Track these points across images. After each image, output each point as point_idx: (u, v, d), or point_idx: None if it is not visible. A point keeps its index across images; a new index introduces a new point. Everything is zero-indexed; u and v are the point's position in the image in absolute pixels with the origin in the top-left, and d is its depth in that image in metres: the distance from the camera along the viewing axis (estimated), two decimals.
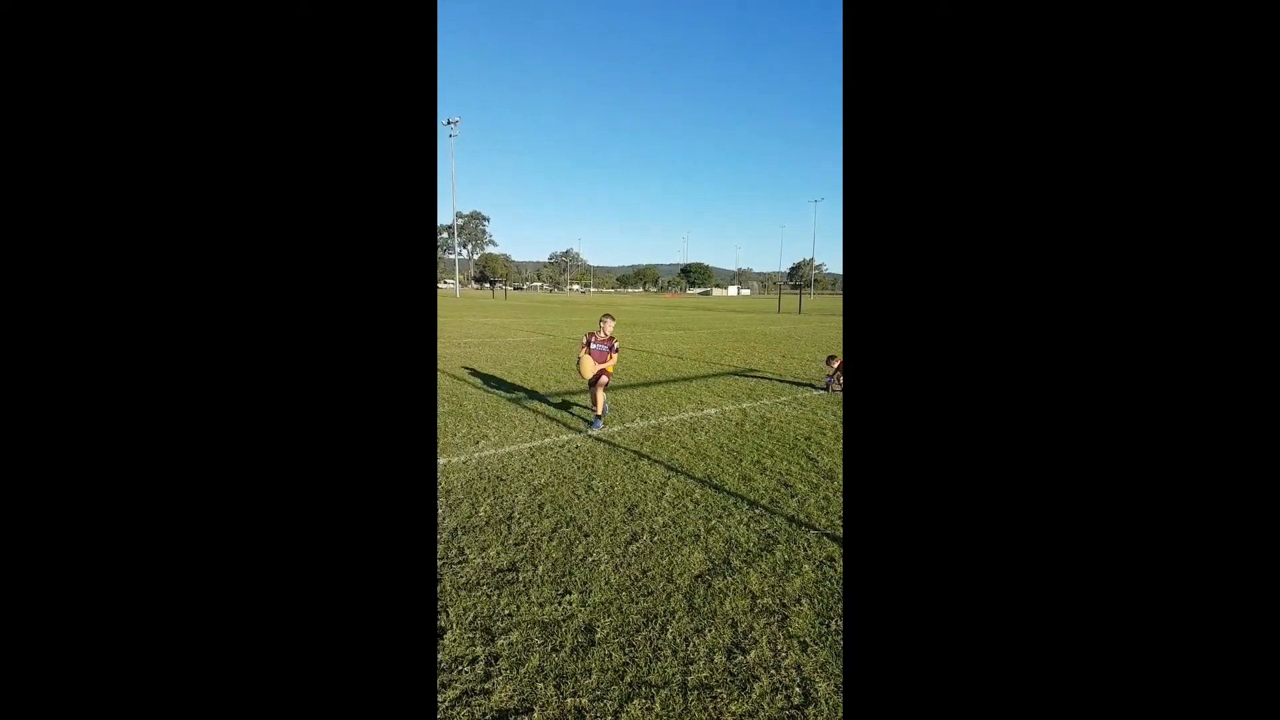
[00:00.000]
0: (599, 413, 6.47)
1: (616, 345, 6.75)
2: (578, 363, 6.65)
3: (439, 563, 3.23)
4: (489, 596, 2.90)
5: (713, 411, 7.30)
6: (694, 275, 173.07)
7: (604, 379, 6.56)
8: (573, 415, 6.92)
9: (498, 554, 3.34)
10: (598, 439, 5.87)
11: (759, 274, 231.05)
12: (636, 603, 2.87)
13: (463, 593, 2.94)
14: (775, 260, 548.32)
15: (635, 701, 2.21)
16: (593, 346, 6.63)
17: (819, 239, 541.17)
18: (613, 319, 6.85)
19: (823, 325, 25.41)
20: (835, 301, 72.43)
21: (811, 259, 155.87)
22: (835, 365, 9.02)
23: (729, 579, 3.10)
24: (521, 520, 3.81)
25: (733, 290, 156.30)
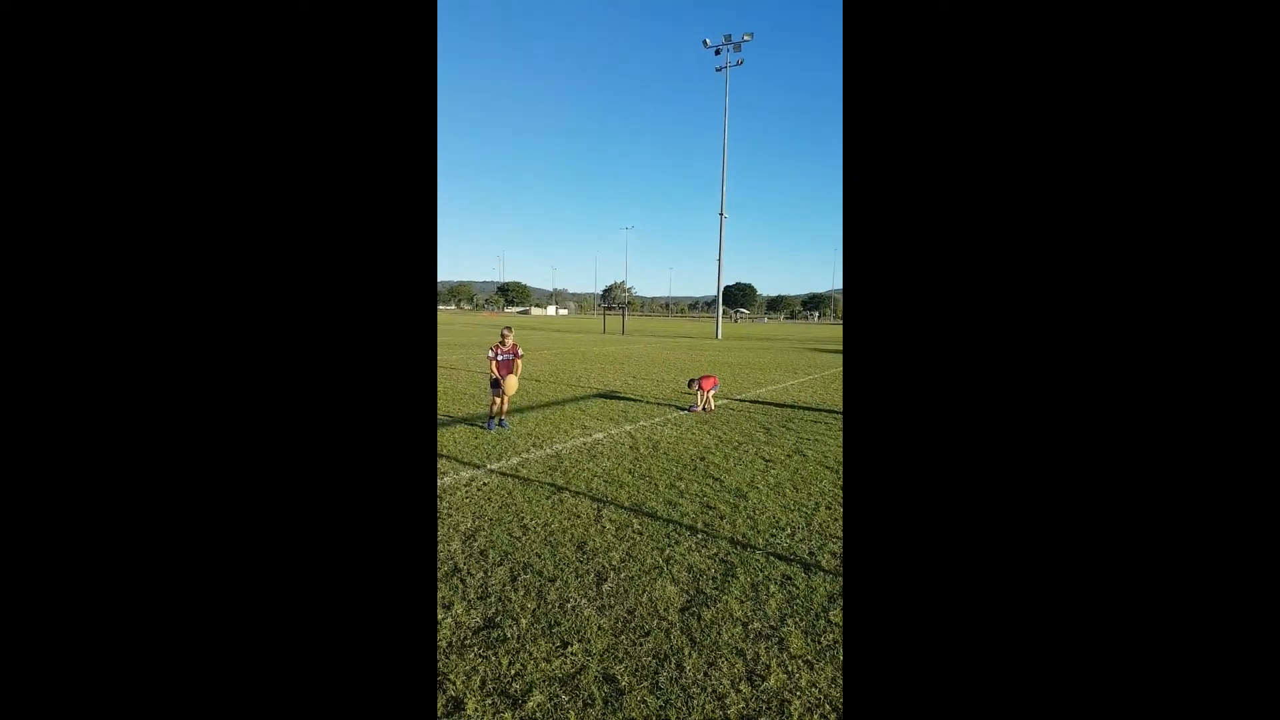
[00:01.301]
0: (502, 414, 7.53)
1: (520, 352, 7.87)
2: (494, 378, 7.57)
3: None
4: (487, 658, 2.70)
5: (600, 436, 7.34)
6: (512, 294, 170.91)
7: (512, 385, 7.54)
8: (459, 446, 6.56)
9: (467, 610, 3.11)
10: (503, 474, 5.64)
11: (574, 294, 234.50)
12: (640, 644, 2.85)
13: (454, 656, 2.70)
14: (590, 282, 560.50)
15: None
16: (500, 358, 7.59)
17: (631, 262, 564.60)
18: (511, 330, 7.92)
19: (653, 346, 26.51)
20: (654, 323, 75.65)
21: (623, 281, 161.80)
22: (699, 388, 9.50)
23: (713, 609, 3.19)
24: (473, 571, 3.57)
25: (551, 310, 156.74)
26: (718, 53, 39.61)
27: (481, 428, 7.51)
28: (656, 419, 8.58)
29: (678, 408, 9.61)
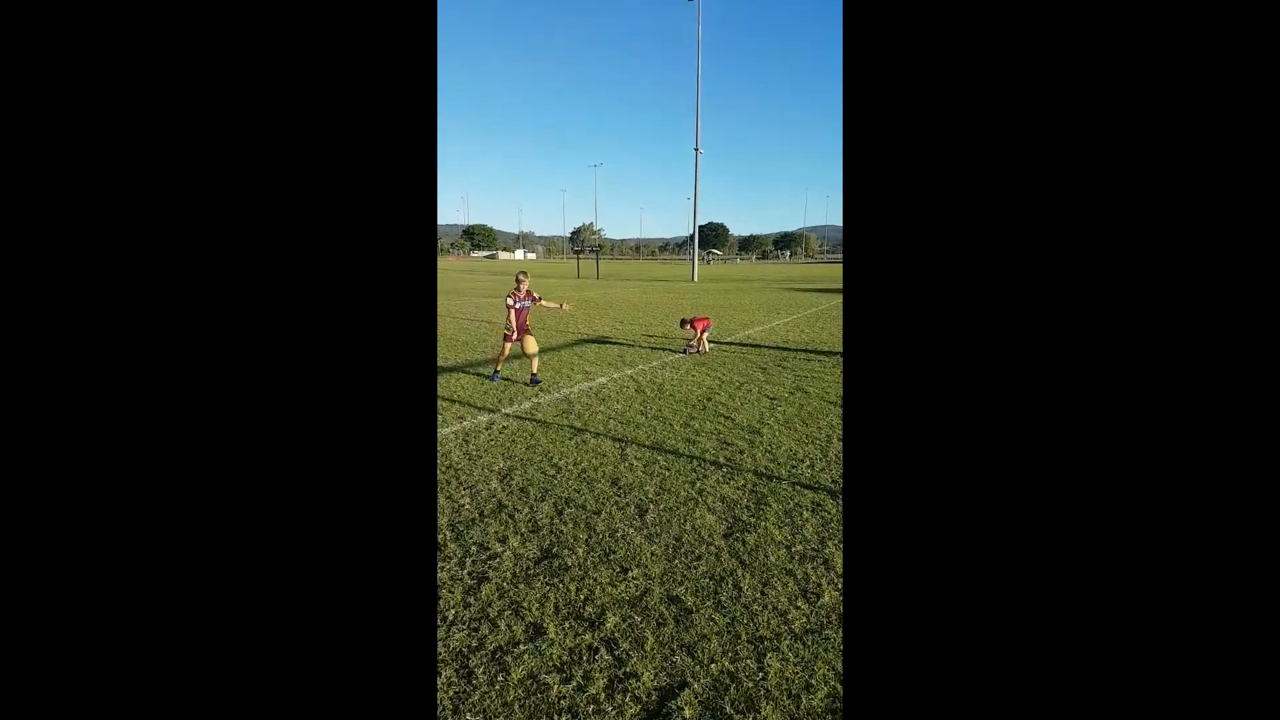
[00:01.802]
0: (535, 371, 7.37)
1: (537, 296, 7.64)
2: (513, 327, 7.39)
3: (464, 558, 3.04)
4: (554, 585, 2.84)
5: (604, 380, 7.44)
6: (478, 237, 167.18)
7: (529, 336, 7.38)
8: (469, 391, 6.61)
9: (523, 543, 3.24)
10: (519, 418, 5.73)
11: (541, 237, 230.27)
12: (695, 568, 3.01)
13: (523, 586, 2.83)
14: (558, 224, 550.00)
15: (770, 656, 2.40)
16: (518, 305, 7.36)
17: (600, 203, 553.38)
18: (526, 275, 7.65)
19: (630, 290, 26.47)
20: (626, 266, 75.00)
21: (592, 223, 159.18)
22: (692, 328, 9.60)
23: (755, 534, 3.37)
24: (519, 507, 3.69)
25: (519, 254, 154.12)
26: None
27: (486, 378, 7.47)
28: (654, 363, 8.70)
29: (671, 351, 9.73)
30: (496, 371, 7.47)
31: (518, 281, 7.47)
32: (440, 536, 3.31)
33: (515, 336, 7.35)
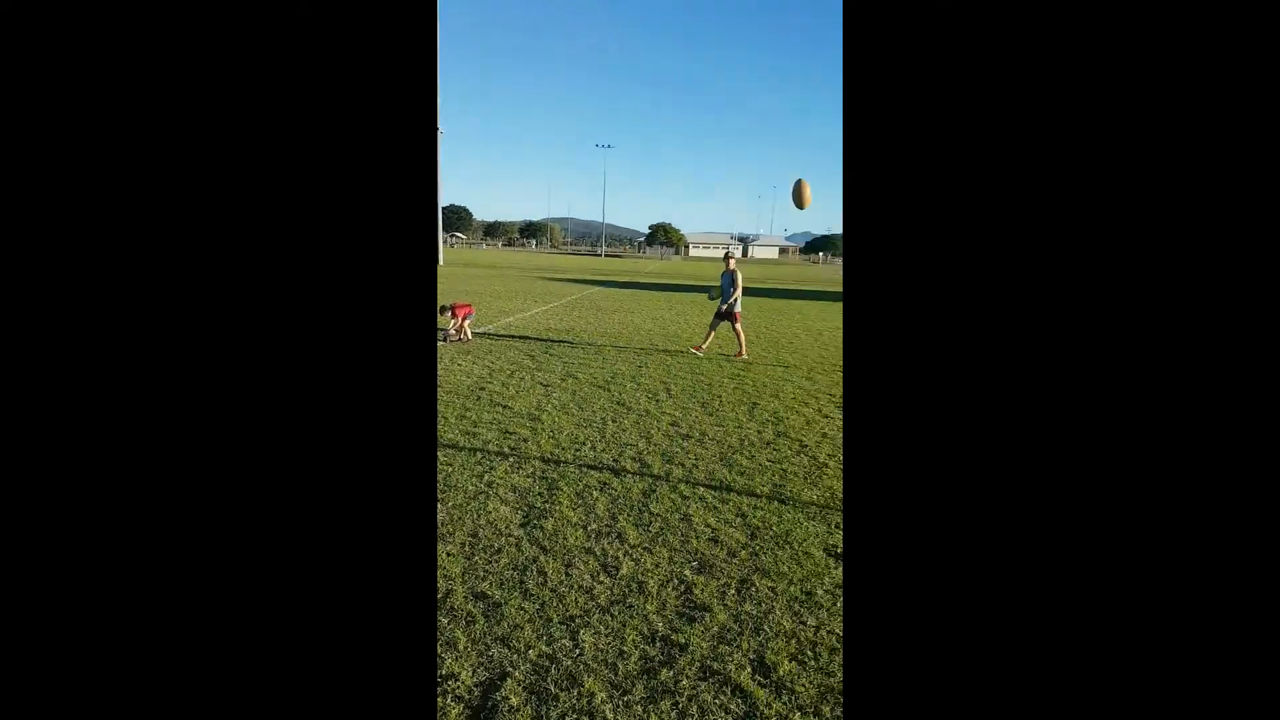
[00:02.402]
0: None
1: None
2: None
3: None
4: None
5: None
6: None
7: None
8: None
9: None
10: None
11: None
12: (496, 561, 2.98)
13: None
14: None
15: (583, 631, 2.48)
16: None
17: None
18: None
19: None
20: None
21: None
22: (452, 315, 9.24)
23: (551, 519, 3.43)
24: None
25: None
26: None
27: None
28: (701, 349, 8.51)
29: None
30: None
31: None
32: None
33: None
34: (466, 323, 9.31)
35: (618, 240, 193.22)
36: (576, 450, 4.55)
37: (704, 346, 9.17)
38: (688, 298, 19.73)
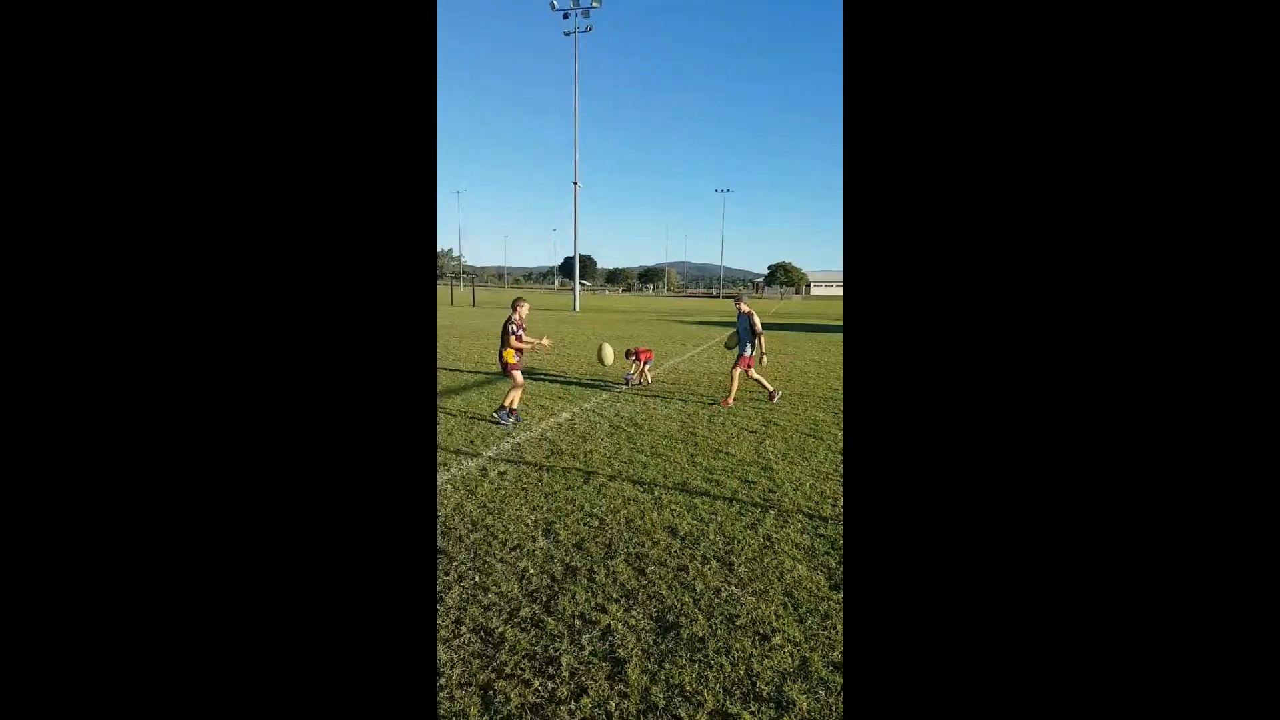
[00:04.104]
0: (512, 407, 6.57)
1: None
2: (512, 355, 6.55)
3: (576, 638, 2.60)
4: (701, 662, 2.49)
5: (567, 415, 7.02)
6: None
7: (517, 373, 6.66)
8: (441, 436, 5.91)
9: (626, 612, 2.84)
10: (510, 461, 5.19)
11: None
12: (832, 630, 2.79)
13: (667, 665, 2.46)
14: None
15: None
16: (521, 334, 6.57)
17: (464, 228, 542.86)
18: (525, 303, 6.87)
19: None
20: (492, 294, 73.48)
21: (451, 249, 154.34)
22: (636, 359, 9.39)
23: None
24: (591, 568, 3.27)
25: None
26: (565, 16, 38.65)
27: (491, 421, 6.52)
28: (603, 395, 8.38)
29: (607, 382, 9.46)
30: (511, 411, 6.55)
31: (517, 308, 6.72)
32: (525, 610, 2.83)
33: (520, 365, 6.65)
34: (647, 367, 9.42)
35: (733, 282, 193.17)
36: (835, 505, 4.32)
37: (729, 401, 7.96)
38: (829, 338, 19.10)
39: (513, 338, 6.52)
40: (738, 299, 8.37)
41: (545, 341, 6.87)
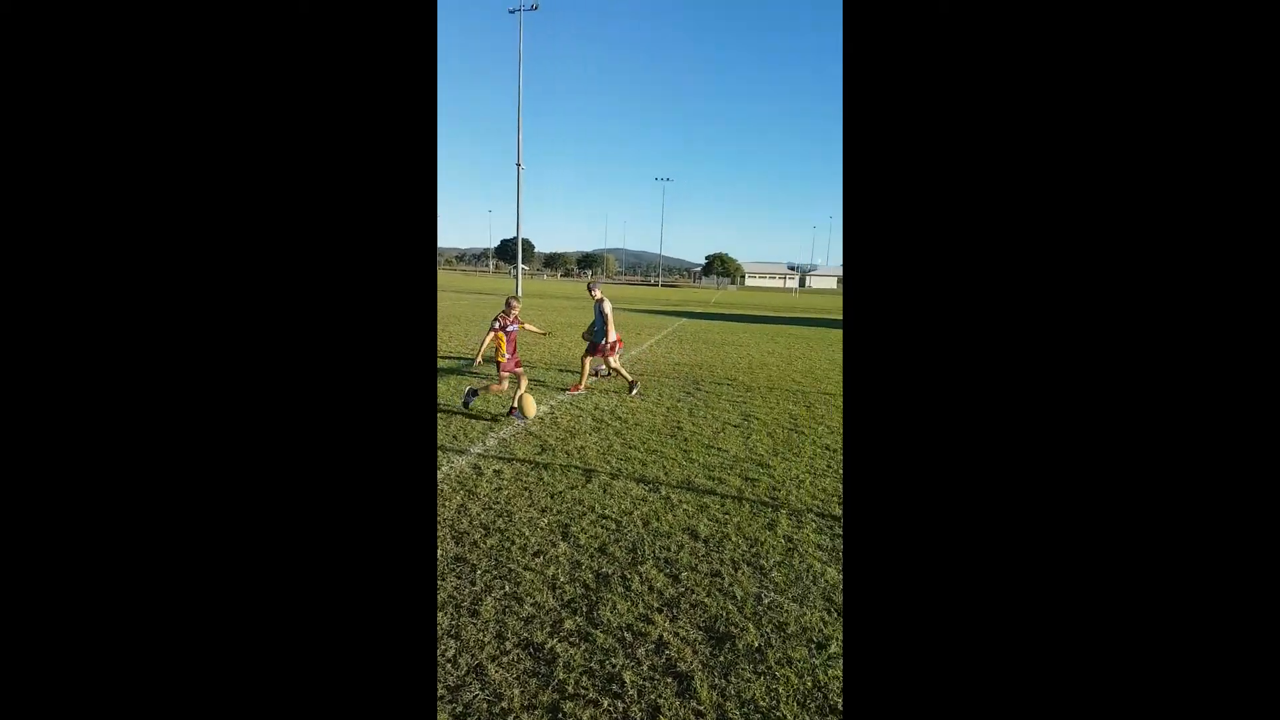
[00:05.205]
0: (518, 405, 6.34)
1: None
2: (494, 348, 6.35)
3: (631, 653, 2.50)
4: (761, 675, 2.44)
5: (546, 410, 6.83)
6: None
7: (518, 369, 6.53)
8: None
9: (673, 621, 2.76)
10: (501, 458, 4.99)
11: None
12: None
13: (736, 679, 2.39)
14: None
15: None
16: (509, 329, 6.43)
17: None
18: (518, 300, 6.78)
19: (460, 303, 25.14)
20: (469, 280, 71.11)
21: None
22: (611, 350, 9.21)
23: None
24: (624, 574, 3.16)
25: None
26: None
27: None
28: (579, 389, 8.20)
29: (571, 371, 9.29)
30: (474, 392, 6.55)
31: (509, 306, 6.55)
32: (569, 623, 2.70)
33: (513, 365, 6.44)
34: (616, 358, 9.29)
35: (670, 270, 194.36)
36: (841, 504, 4.35)
37: (582, 386, 7.99)
38: (791, 330, 19.47)
39: (507, 325, 6.41)
40: (591, 286, 8.22)
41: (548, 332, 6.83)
